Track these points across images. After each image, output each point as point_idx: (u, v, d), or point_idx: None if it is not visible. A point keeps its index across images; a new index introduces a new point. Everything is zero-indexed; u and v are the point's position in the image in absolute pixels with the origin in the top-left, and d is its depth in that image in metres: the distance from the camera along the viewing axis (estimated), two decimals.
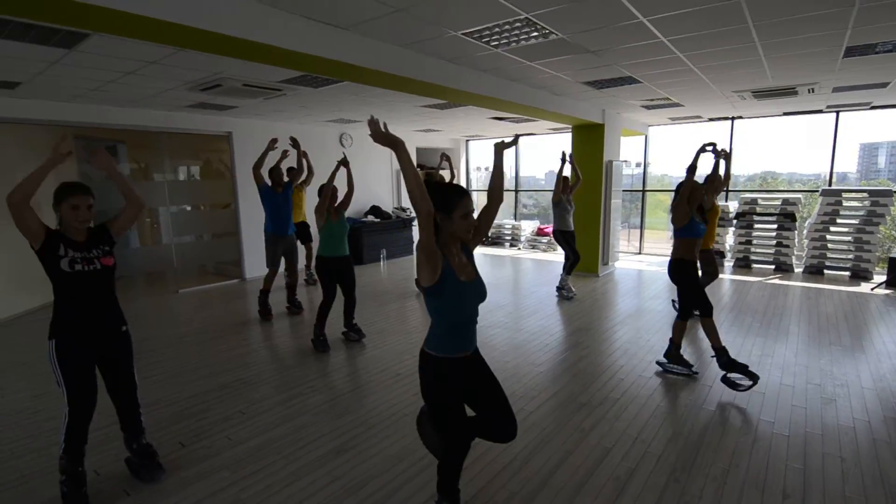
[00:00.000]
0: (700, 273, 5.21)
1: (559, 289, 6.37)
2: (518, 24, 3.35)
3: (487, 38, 3.66)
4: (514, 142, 2.32)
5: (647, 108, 7.13)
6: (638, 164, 9.79)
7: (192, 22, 2.71)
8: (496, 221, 11.49)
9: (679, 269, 3.83)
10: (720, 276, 6.98)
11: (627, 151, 9.15)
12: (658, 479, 2.56)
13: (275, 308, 5.76)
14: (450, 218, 1.90)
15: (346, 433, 3.05)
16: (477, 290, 2.00)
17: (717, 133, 8.70)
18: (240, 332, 5.21)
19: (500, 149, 2.23)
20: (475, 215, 2.02)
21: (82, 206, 2.32)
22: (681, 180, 3.87)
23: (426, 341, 2.03)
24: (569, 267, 6.33)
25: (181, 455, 2.84)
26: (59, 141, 2.26)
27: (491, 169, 2.29)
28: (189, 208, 8.28)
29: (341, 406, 3.43)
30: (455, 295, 1.92)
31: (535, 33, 3.53)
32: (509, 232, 11.14)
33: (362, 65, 3.71)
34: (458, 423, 2.03)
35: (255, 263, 7.72)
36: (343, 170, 4.73)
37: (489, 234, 11.36)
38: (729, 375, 3.62)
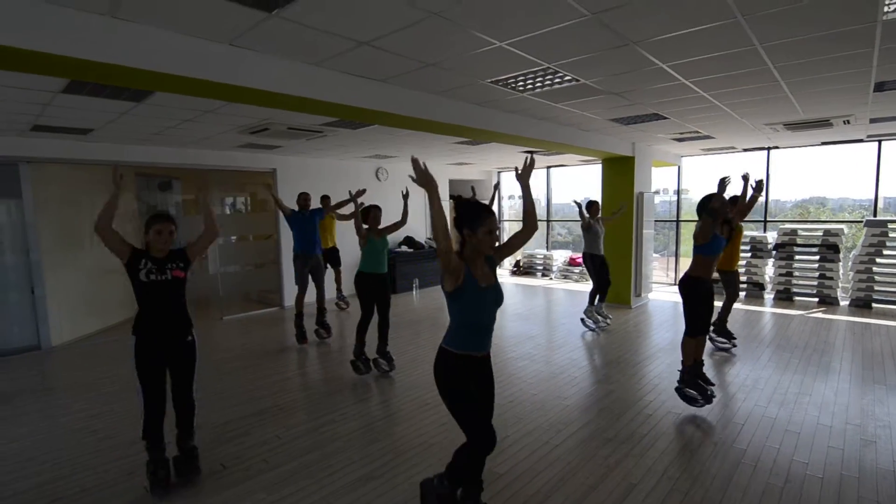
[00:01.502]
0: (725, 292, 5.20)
1: (584, 319, 6.31)
2: (541, 73, 3.55)
3: (513, 85, 3.88)
4: (531, 163, 2.43)
5: (678, 140, 7.17)
6: (674, 192, 9.74)
7: (242, 83, 3.04)
8: (529, 251, 11.56)
9: (692, 286, 3.82)
10: (753, 308, 6.79)
11: (662, 180, 9.15)
12: None
13: (309, 331, 6.05)
14: (475, 233, 2.15)
15: (376, 460, 3.18)
16: (495, 295, 2.23)
17: (753, 163, 8.55)
18: (277, 358, 5.47)
19: (521, 178, 2.42)
20: (506, 237, 2.26)
21: (164, 231, 2.81)
22: (703, 196, 3.84)
23: (444, 339, 2.24)
24: (601, 294, 6.26)
25: (223, 475, 3.04)
26: (114, 174, 2.78)
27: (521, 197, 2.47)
28: (235, 239, 8.78)
29: (371, 434, 3.57)
30: (474, 299, 2.15)
31: (559, 80, 3.73)
32: (541, 262, 11.17)
33: (396, 112, 4.00)
34: (479, 418, 2.20)
35: (293, 291, 8.06)
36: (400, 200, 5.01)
37: (521, 265, 11.42)
38: (686, 389, 3.79)
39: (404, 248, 9.72)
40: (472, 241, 2.18)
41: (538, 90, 4.06)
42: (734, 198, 4.71)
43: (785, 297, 7.81)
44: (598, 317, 6.27)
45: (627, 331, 6.30)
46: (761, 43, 2.97)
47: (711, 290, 3.87)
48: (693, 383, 3.84)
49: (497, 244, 2.27)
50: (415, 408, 4.02)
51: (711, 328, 5.55)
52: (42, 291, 5.81)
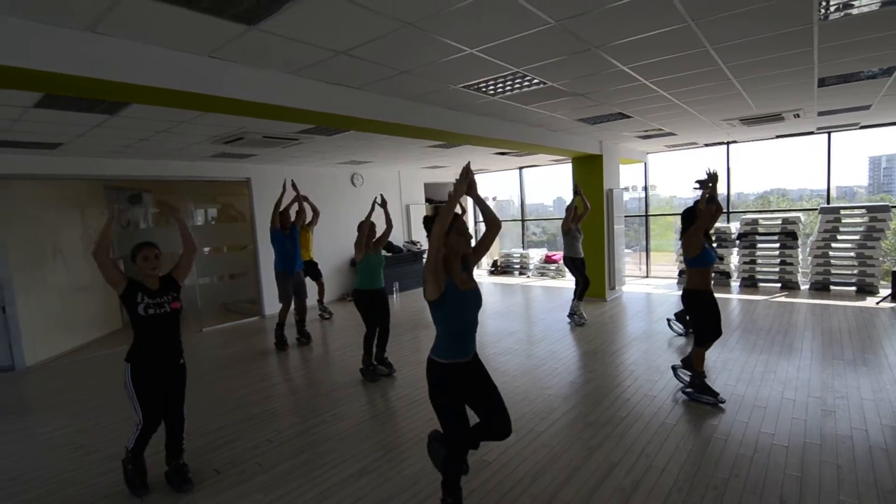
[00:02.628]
0: None
1: (571, 315, 6.53)
2: (511, 77, 3.72)
3: (485, 89, 4.03)
4: (466, 172, 2.35)
5: (643, 137, 7.47)
6: (643, 189, 10.09)
7: (221, 93, 3.10)
8: (506, 251, 11.77)
9: (695, 300, 3.82)
10: (727, 295, 7.13)
11: (630, 177, 9.47)
12: (661, 489, 2.73)
13: (289, 339, 6.12)
14: (448, 238, 2.29)
15: (367, 457, 3.26)
16: (475, 298, 2.36)
17: (714, 157, 8.93)
18: (261, 366, 5.47)
19: (470, 194, 2.39)
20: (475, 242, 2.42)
21: (150, 256, 2.87)
22: (685, 208, 3.93)
23: (432, 350, 2.36)
24: (580, 292, 6.50)
25: (218, 480, 3.08)
26: (114, 208, 2.96)
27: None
28: (208, 251, 8.68)
29: (362, 432, 3.65)
30: (456, 303, 2.28)
31: (528, 83, 3.90)
32: (518, 261, 11.39)
33: (371, 118, 4.11)
34: (459, 422, 2.34)
35: (273, 300, 8.02)
36: (379, 209, 5.05)
37: (499, 264, 11.62)
38: (701, 396, 3.84)
39: (382, 252, 9.76)
40: (447, 246, 2.31)
41: (508, 93, 4.23)
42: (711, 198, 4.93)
43: (750, 283, 8.19)
44: (576, 316, 6.47)
45: (604, 322, 6.53)
46: (712, 45, 3.20)
47: (712, 298, 3.84)
48: (705, 389, 3.84)
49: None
50: (403, 406, 4.12)
51: (672, 316, 5.83)
52: (13, 310, 5.66)
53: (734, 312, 6.67)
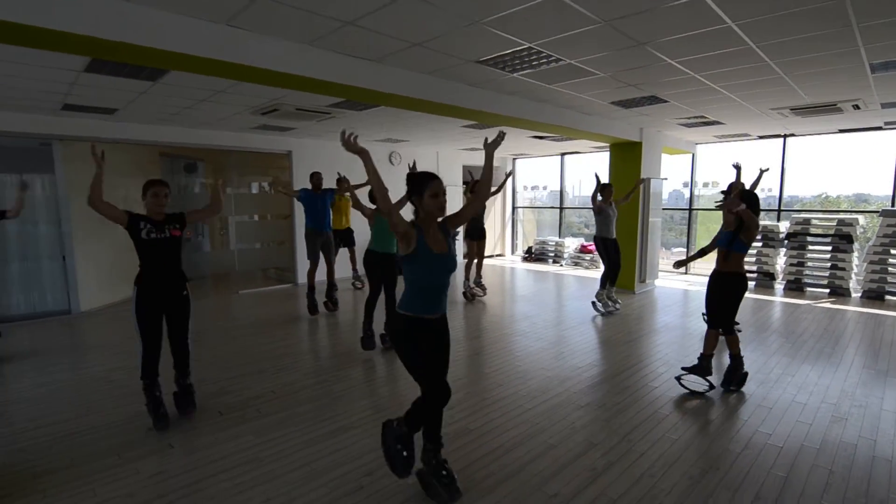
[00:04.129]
0: None
1: (595, 302, 6.34)
2: (525, 53, 3.68)
3: (502, 65, 4.01)
4: (500, 137, 2.55)
5: (687, 125, 7.12)
6: (702, 183, 9.64)
7: (241, 61, 3.29)
8: (541, 238, 11.63)
9: (739, 282, 3.76)
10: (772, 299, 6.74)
11: (678, 169, 9.05)
12: (633, 473, 2.71)
13: (319, 304, 6.40)
14: (422, 199, 2.34)
15: (357, 415, 3.42)
16: (446, 261, 2.39)
17: (769, 151, 8.37)
18: (285, 327, 5.80)
19: (487, 148, 2.55)
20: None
21: (160, 193, 3.14)
22: (747, 190, 4.00)
23: (398, 304, 2.42)
24: (612, 278, 6.25)
25: (219, 420, 3.35)
26: (93, 151, 3.04)
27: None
28: (250, 218, 9.18)
29: (358, 393, 3.83)
30: (427, 263, 2.32)
31: (545, 60, 3.84)
32: (553, 248, 11.23)
33: (393, 91, 4.19)
34: (432, 374, 2.38)
35: (306, 268, 8.40)
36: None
37: (533, 251, 11.51)
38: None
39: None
40: (421, 207, 2.35)
41: (528, 70, 4.18)
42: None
43: (795, 287, 7.69)
44: (609, 301, 6.31)
45: (626, 314, 6.37)
46: (734, 21, 3.02)
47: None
48: (705, 370, 3.88)
49: (446, 212, 2.39)
50: (395, 371, 4.26)
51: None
52: (72, 261, 6.28)
53: (771, 315, 6.31)
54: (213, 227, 9.98)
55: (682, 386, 3.89)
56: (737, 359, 3.84)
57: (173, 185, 8.50)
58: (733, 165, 4.47)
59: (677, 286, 8.38)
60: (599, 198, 6.11)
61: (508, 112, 5.24)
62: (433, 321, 2.43)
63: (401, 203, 4.77)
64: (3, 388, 3.99)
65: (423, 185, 2.34)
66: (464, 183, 11.39)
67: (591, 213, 6.32)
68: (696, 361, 3.93)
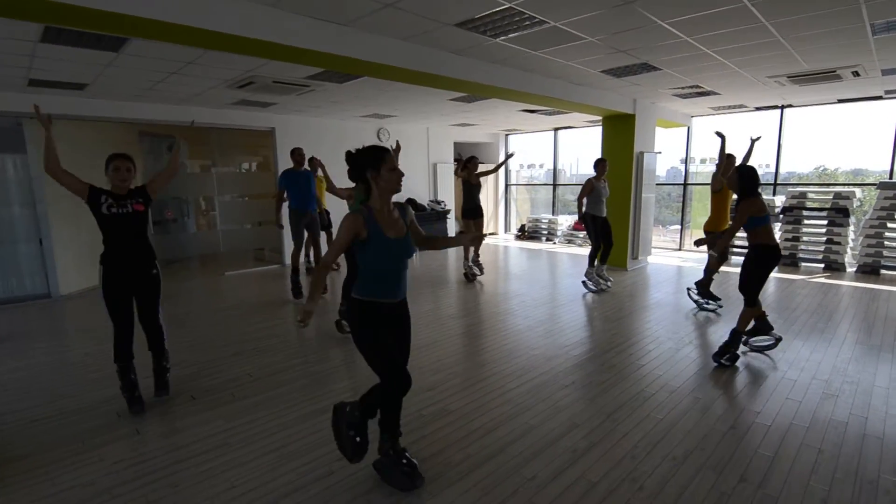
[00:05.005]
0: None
1: (586, 281, 6.24)
2: (506, 14, 3.46)
3: (483, 29, 3.79)
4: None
5: (682, 97, 6.89)
6: (689, 159, 9.44)
7: (207, 25, 3.08)
8: (534, 216, 11.46)
9: (773, 254, 3.74)
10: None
11: (673, 143, 8.85)
12: (616, 453, 2.61)
13: (305, 287, 6.23)
14: (379, 174, 2.14)
15: (335, 397, 3.31)
16: (403, 246, 2.21)
17: (766, 124, 8.15)
18: (268, 309, 5.67)
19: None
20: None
21: (122, 167, 2.98)
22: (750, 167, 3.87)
23: (354, 288, 2.25)
24: (603, 256, 6.11)
25: (191, 405, 3.24)
26: (38, 114, 2.88)
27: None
28: (231, 198, 8.94)
29: (336, 375, 3.72)
30: (380, 248, 2.15)
31: (527, 22, 3.62)
32: (546, 226, 11.07)
33: (371, 59, 3.97)
34: (390, 360, 2.20)
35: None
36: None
37: (526, 229, 11.35)
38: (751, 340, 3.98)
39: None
40: (377, 184, 2.15)
41: (511, 35, 3.95)
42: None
43: (790, 262, 7.58)
44: (600, 279, 6.19)
45: (616, 292, 6.25)
46: None
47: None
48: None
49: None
50: None
51: (693, 286, 5.46)
52: (49, 244, 6.10)
53: (766, 290, 6.20)
54: (198, 208, 9.79)
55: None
56: (737, 335, 3.76)
57: (154, 166, 8.28)
58: (716, 133, 4.35)
59: (671, 262, 8.26)
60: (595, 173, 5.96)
61: (494, 82, 5.01)
62: (392, 306, 2.27)
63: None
64: None
65: (380, 158, 2.13)
66: (455, 160, 11.13)
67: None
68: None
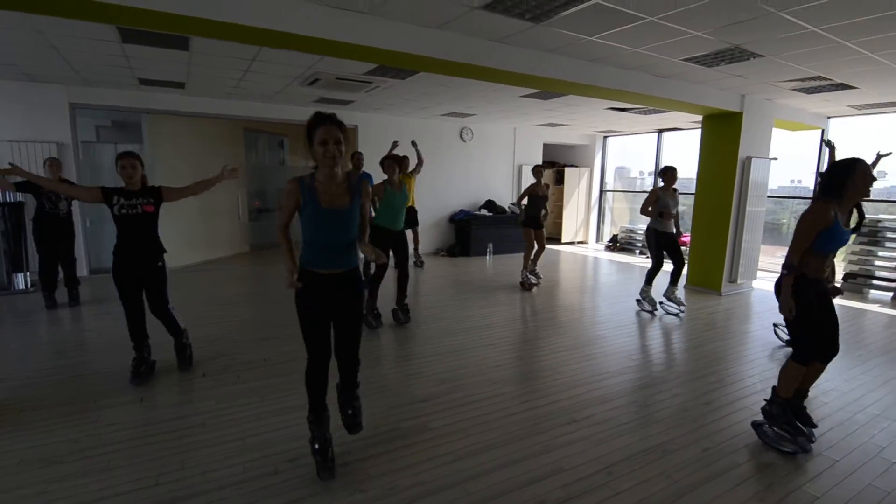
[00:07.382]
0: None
1: (640, 300, 5.56)
2: None
3: (517, 12, 3.42)
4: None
5: (805, 91, 5.69)
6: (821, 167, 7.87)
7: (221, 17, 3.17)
8: (627, 226, 10.48)
9: (803, 289, 2.60)
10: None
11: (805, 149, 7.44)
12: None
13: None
14: (312, 146, 2.13)
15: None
16: (340, 218, 2.19)
17: None
18: None
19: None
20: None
21: (127, 165, 3.17)
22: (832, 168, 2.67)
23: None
24: (672, 276, 5.38)
25: (197, 382, 3.40)
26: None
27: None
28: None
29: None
30: (313, 217, 2.17)
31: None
32: (641, 238, 10.03)
33: (404, 50, 3.82)
34: (312, 338, 2.29)
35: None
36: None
37: (619, 241, 10.42)
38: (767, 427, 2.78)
39: (483, 211, 9.51)
40: (314, 156, 2.17)
41: (552, 17, 3.51)
42: None
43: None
44: (672, 303, 5.42)
45: (693, 318, 5.34)
46: None
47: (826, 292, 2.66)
48: (789, 420, 2.71)
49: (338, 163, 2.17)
50: (399, 351, 3.99)
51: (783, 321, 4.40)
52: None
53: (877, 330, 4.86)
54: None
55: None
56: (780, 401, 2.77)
57: (255, 159, 9.11)
58: (825, 142, 3.40)
59: None
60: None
61: (549, 73, 4.50)
62: (333, 278, 2.25)
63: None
64: (60, 329, 4.54)
65: (312, 129, 2.12)
66: (545, 164, 10.54)
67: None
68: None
